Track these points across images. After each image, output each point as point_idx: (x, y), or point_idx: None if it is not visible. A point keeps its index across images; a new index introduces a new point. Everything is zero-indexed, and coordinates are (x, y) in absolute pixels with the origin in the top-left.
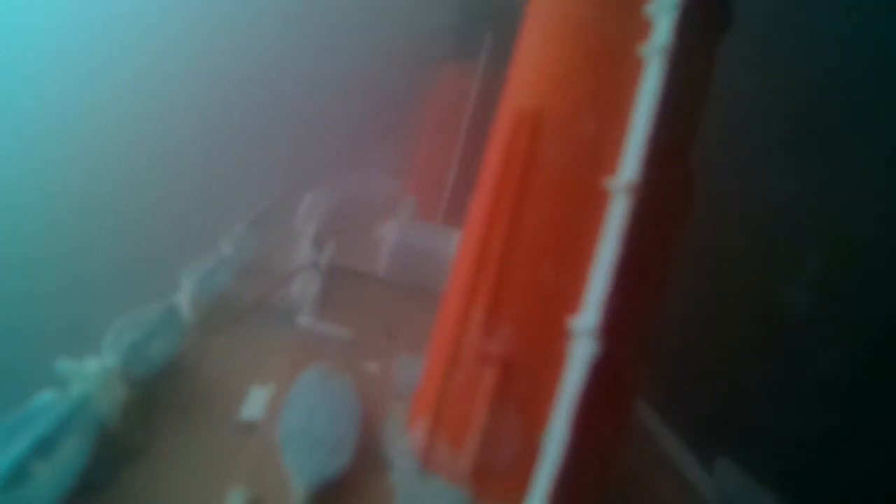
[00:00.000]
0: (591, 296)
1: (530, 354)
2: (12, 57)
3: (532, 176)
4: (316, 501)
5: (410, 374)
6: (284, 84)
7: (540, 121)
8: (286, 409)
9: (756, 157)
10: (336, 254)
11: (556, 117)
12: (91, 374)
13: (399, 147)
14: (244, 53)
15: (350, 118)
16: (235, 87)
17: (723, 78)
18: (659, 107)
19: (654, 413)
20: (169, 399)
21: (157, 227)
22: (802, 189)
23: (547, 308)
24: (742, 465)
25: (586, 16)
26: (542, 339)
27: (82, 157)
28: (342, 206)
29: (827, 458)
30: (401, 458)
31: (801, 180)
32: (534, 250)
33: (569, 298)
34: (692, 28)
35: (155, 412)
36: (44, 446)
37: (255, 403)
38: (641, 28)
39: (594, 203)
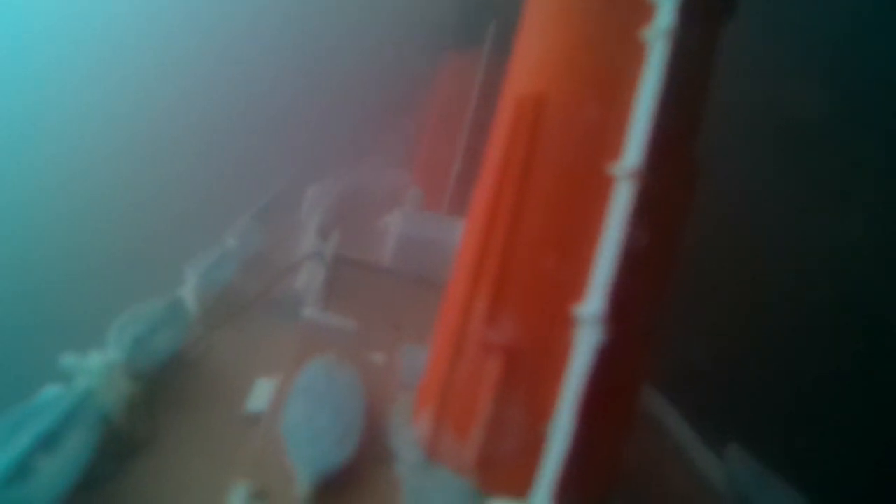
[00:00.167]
0: (596, 283)
1: (535, 343)
2: (12, 57)
3: (535, 163)
4: (321, 493)
5: (416, 364)
6: (288, 76)
7: (542, 107)
8: (291, 401)
9: (756, 157)
10: (341, 245)
11: (558, 104)
12: (96, 368)
13: (403, 137)
14: (248, 43)
15: (354, 109)
16: (239, 78)
17: (723, 78)
18: (663, 91)
19: (663, 400)
20: (174, 392)
21: (162, 220)
22: (802, 189)
23: (551, 296)
24: (753, 451)
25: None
26: (546, 327)
27: (86, 150)
28: (346, 197)
29: (838, 444)
30: (406, 448)
31: (801, 181)
32: (537, 238)
33: (573, 286)
34: (696, 11)
35: (160, 406)
36: (48, 440)
37: (260, 396)
38: (643, 12)
39: (598, 190)
